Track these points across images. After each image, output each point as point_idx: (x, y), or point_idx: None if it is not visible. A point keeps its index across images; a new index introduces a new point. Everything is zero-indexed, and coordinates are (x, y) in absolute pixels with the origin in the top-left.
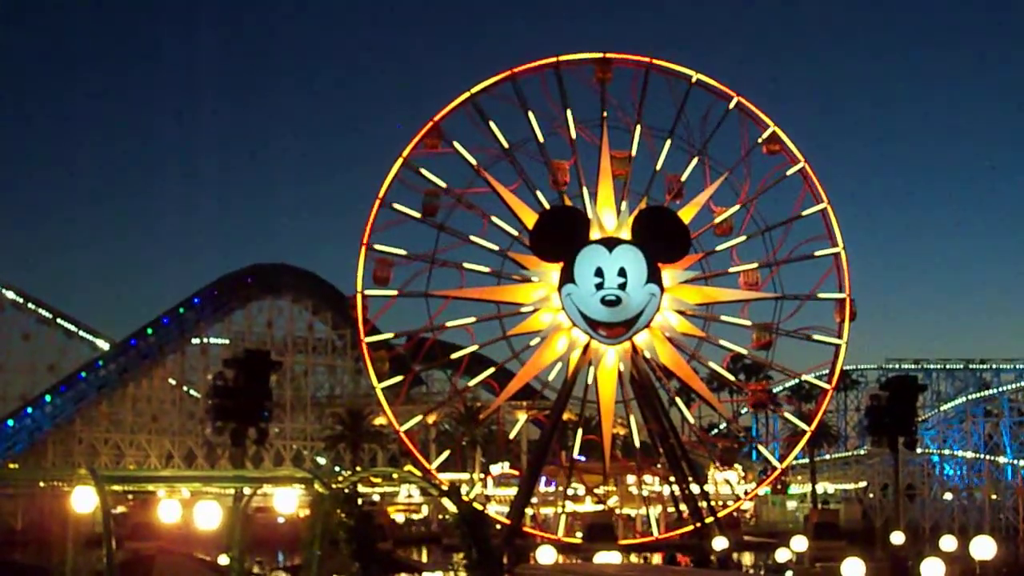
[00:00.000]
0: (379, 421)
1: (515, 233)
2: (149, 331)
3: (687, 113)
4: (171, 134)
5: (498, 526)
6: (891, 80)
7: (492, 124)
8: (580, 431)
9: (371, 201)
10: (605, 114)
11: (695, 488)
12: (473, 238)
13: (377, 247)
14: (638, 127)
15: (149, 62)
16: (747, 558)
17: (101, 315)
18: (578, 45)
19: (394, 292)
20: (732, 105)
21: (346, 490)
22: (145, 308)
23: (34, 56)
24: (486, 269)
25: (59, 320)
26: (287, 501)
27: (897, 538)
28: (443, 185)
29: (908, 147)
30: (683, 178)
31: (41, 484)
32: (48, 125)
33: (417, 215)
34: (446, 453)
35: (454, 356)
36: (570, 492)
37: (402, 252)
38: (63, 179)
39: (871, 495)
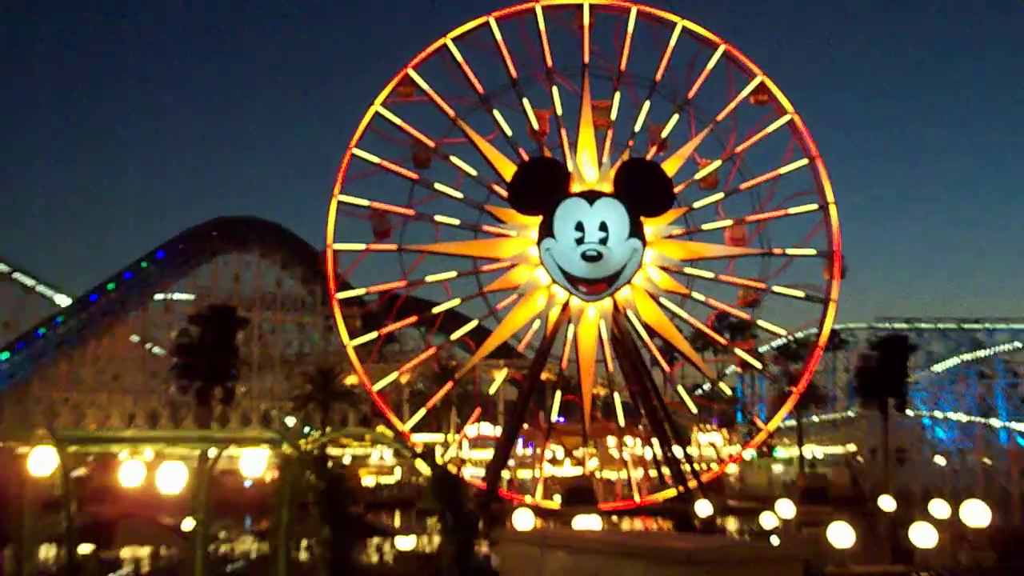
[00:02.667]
0: (350, 380)
1: (493, 185)
2: (110, 286)
3: (672, 61)
4: (134, 84)
5: (474, 490)
6: (884, 27)
7: (468, 71)
8: (559, 391)
9: (343, 153)
10: (586, 62)
11: (678, 451)
12: (448, 190)
13: (348, 199)
14: (620, 75)
15: (112, 14)
16: (732, 523)
17: (61, 269)
18: None
19: (366, 246)
20: (719, 53)
21: (315, 452)
22: (107, 262)
23: None
24: (461, 223)
25: (16, 274)
26: (254, 463)
27: (886, 503)
28: (418, 135)
29: (899, 99)
30: (667, 129)
31: None
32: (5, 77)
33: (390, 166)
34: (420, 413)
35: (429, 313)
36: (548, 455)
37: (374, 204)
38: (22, 130)
39: (860, 458)
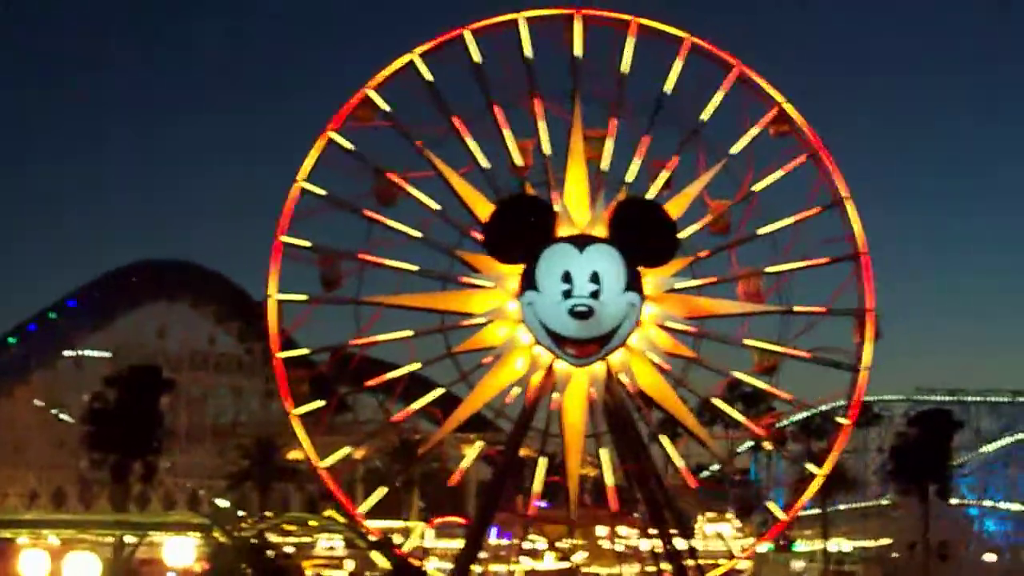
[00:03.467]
0: (294, 455)
1: (465, 227)
2: (11, 340)
3: (678, 85)
4: (49, 101)
5: None
6: (922, 55)
7: (438, 92)
8: (541, 471)
9: (289, 186)
10: (577, 84)
11: (681, 543)
12: (414, 232)
13: (293, 241)
14: (617, 101)
15: (49, 23)
16: None
17: None
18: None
19: (313, 297)
20: (733, 76)
21: (253, 540)
22: (8, 312)
23: None
24: (429, 271)
25: None
26: (180, 552)
27: None
28: (378, 164)
29: (942, 134)
30: (671, 165)
31: None
32: None
33: (345, 202)
34: (377, 494)
35: (388, 376)
36: (527, 546)
37: (327, 249)
38: None
39: (895, 555)
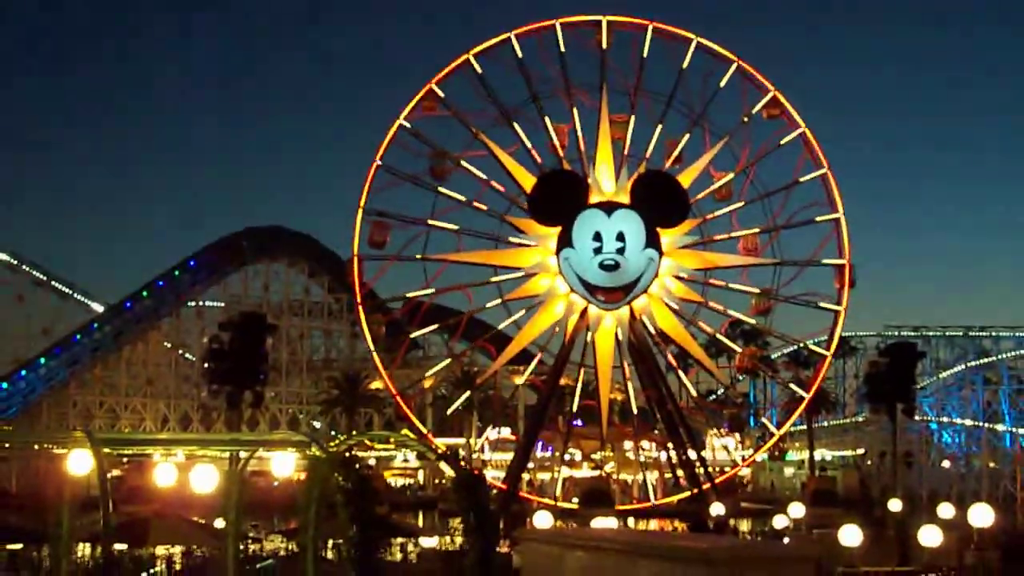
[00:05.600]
0: (375, 385)
1: (513, 197)
2: (144, 294)
3: (687, 76)
4: (167, 95)
5: (495, 491)
6: (894, 44)
7: (489, 86)
8: (577, 396)
9: (368, 164)
10: (604, 77)
11: (692, 454)
12: (471, 201)
13: (374, 210)
14: (637, 91)
15: (143, 24)
16: (744, 524)
17: (96, 278)
18: (578, 7)
19: (391, 256)
20: (733, 69)
21: (343, 454)
22: (140, 271)
23: (27, 17)
24: (483, 233)
25: (53, 282)
26: (284, 465)
27: (894, 505)
28: (441, 148)
29: (909, 113)
30: (682, 143)
31: (36, 447)
32: (41, 88)
33: (414, 178)
34: (443, 417)
35: (451, 320)
36: (567, 457)
37: (399, 215)
38: (58, 141)
39: (869, 462)
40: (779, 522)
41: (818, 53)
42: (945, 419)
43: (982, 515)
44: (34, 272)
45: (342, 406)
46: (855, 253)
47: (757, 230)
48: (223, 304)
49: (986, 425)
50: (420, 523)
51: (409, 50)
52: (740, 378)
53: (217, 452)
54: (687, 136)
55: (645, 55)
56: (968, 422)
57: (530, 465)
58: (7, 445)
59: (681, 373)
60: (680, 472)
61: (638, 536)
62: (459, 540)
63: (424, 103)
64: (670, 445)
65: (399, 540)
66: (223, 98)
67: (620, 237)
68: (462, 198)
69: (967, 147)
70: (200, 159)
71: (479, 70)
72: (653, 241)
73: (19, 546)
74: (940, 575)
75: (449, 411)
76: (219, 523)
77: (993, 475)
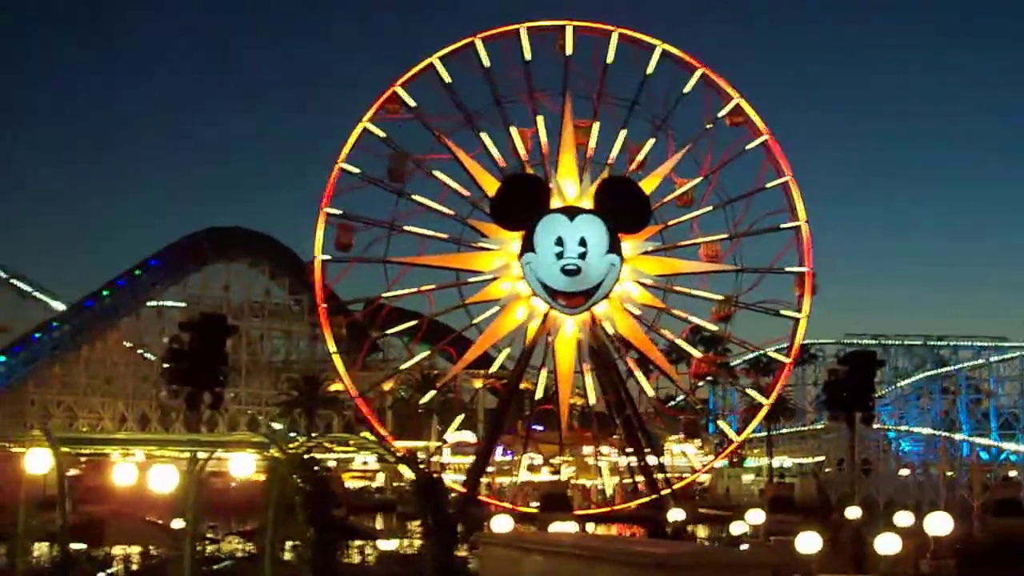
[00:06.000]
0: (335, 387)
1: (476, 201)
2: (104, 293)
3: (651, 83)
4: (128, 95)
5: (454, 494)
6: (857, 51)
7: (453, 90)
8: (537, 400)
9: (330, 166)
10: (568, 82)
11: (651, 459)
12: (433, 204)
13: (335, 212)
14: (601, 96)
15: (106, 22)
16: (702, 530)
17: (55, 276)
18: (542, 11)
19: (353, 258)
20: (697, 76)
21: (302, 455)
22: (100, 270)
23: None
24: (446, 236)
25: (13, 280)
26: (242, 466)
27: (852, 513)
28: (404, 151)
29: (871, 120)
30: (645, 149)
31: None
32: (2, 87)
33: (376, 180)
34: (402, 420)
35: (412, 323)
36: (526, 461)
37: (361, 218)
38: (18, 139)
39: (827, 469)
40: (737, 528)
41: (781, 59)
42: (903, 427)
43: (939, 523)
44: None
45: (302, 408)
46: (816, 261)
47: (719, 237)
48: (183, 304)
49: (944, 434)
50: (379, 526)
51: (374, 52)
52: (700, 384)
53: (176, 452)
54: (650, 142)
55: (610, 61)
56: (926, 430)
57: (490, 469)
58: None
59: (641, 378)
60: (639, 477)
61: (596, 541)
62: (418, 543)
63: (388, 106)
64: (629, 450)
65: (357, 543)
66: (185, 97)
67: (582, 242)
68: (425, 201)
69: (930, 154)
70: (163, 158)
71: (444, 73)
72: (615, 246)
73: None
74: None
75: (421, 407)
76: (177, 523)
77: (950, 484)
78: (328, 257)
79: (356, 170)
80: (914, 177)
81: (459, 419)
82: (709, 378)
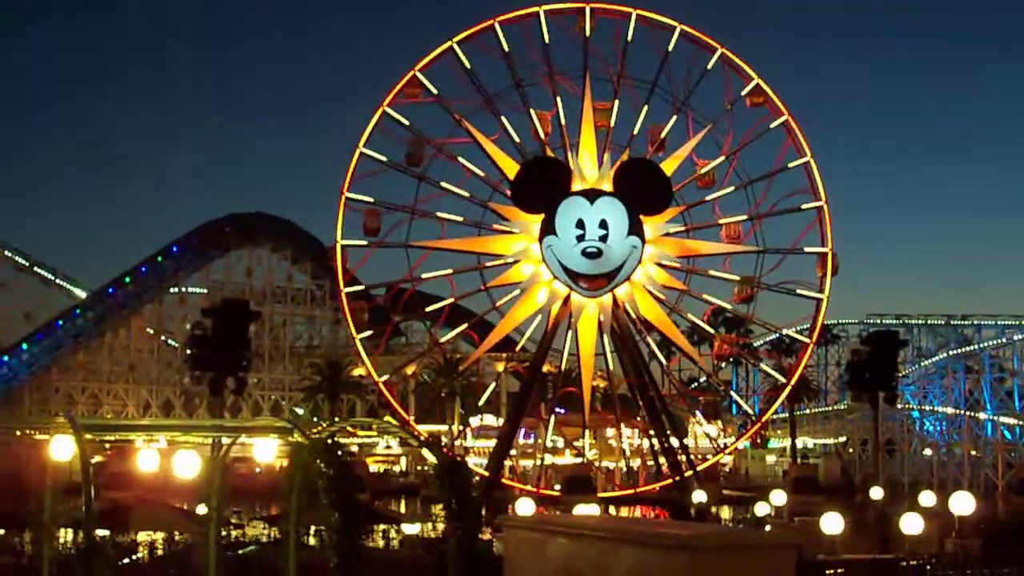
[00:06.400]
0: (358, 372)
1: (496, 184)
2: (127, 280)
3: (670, 64)
4: (148, 80)
5: (477, 478)
6: (876, 31)
7: (473, 73)
8: (560, 383)
9: (351, 151)
10: (588, 65)
11: (674, 441)
12: (453, 188)
13: (356, 197)
14: (620, 78)
15: (122, 9)
16: (726, 512)
17: (79, 263)
18: None
19: (373, 242)
20: (716, 57)
21: (325, 440)
22: (123, 257)
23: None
24: (466, 220)
25: (36, 268)
26: (266, 451)
27: (876, 493)
28: (424, 135)
29: (892, 100)
30: (666, 130)
31: (18, 432)
32: (20, 71)
33: (397, 165)
34: (425, 404)
35: (433, 307)
36: (549, 444)
37: (382, 202)
38: (41, 126)
39: (851, 450)
40: (761, 510)
41: (803, 39)
42: (927, 407)
43: (963, 503)
44: (16, 257)
45: (325, 393)
46: (838, 241)
47: (740, 218)
48: (206, 290)
49: (967, 413)
50: (402, 510)
51: (393, 36)
52: (722, 365)
53: (199, 438)
54: (670, 123)
55: (629, 42)
56: (950, 410)
57: (512, 452)
58: None
59: (663, 360)
60: (662, 459)
61: (620, 523)
62: (441, 527)
63: (407, 90)
64: (652, 432)
65: (381, 527)
66: (205, 84)
67: (603, 224)
68: (445, 185)
69: (951, 134)
70: (183, 145)
71: (463, 57)
72: (636, 228)
73: (1, 532)
74: (921, 563)
75: (443, 391)
76: (201, 509)
77: (974, 463)
78: (350, 242)
79: (377, 155)
80: (936, 156)
81: (485, 395)
82: (732, 359)
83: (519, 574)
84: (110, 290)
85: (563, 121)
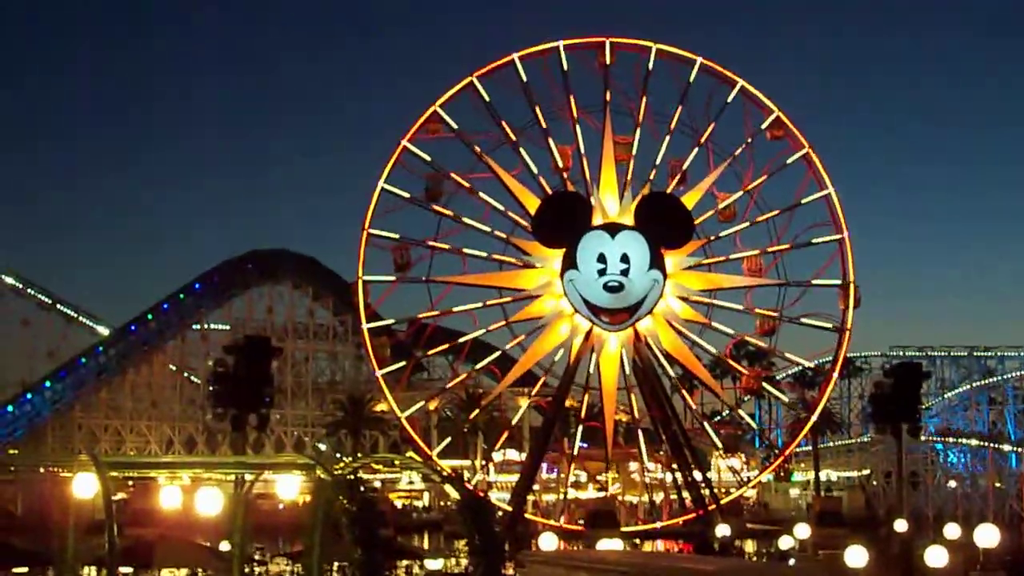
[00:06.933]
0: (380, 407)
1: (517, 218)
2: (149, 317)
3: (691, 98)
4: (171, 117)
5: (500, 513)
6: (896, 63)
7: (493, 108)
8: (582, 418)
9: (371, 186)
10: (608, 99)
11: (697, 475)
12: (475, 223)
13: (377, 232)
14: (641, 112)
15: (147, 39)
16: (749, 545)
17: (101, 301)
18: (581, 29)
19: (395, 278)
20: (736, 90)
21: (348, 476)
22: (145, 294)
23: (28, 29)
24: (487, 255)
25: (59, 305)
26: (289, 487)
27: (900, 526)
28: (444, 170)
29: (913, 132)
30: (686, 164)
31: (41, 470)
32: (45, 108)
33: (418, 200)
34: (448, 440)
35: (456, 342)
36: (572, 479)
37: (404, 238)
38: (63, 164)
39: (874, 482)
40: (785, 543)
41: (824, 69)
42: (951, 439)
43: (988, 535)
44: (40, 295)
45: (347, 428)
46: (859, 273)
47: (761, 251)
48: (228, 327)
49: (991, 445)
50: (425, 545)
51: (413, 72)
52: (745, 399)
53: (222, 475)
54: (691, 157)
55: (648, 76)
56: (974, 442)
57: (535, 487)
58: (13, 468)
59: (686, 394)
60: (685, 493)
61: (643, 558)
62: (464, 562)
63: (428, 125)
64: (675, 466)
65: (404, 562)
66: (226, 121)
67: (624, 259)
68: (466, 220)
69: (973, 164)
70: (204, 182)
71: (483, 92)
72: (657, 262)
73: (24, 569)
74: None
75: (466, 426)
76: (224, 546)
77: (999, 495)
78: (372, 277)
79: (398, 190)
80: (957, 187)
81: (505, 435)
82: (758, 392)
83: None
84: (132, 327)
85: (584, 155)
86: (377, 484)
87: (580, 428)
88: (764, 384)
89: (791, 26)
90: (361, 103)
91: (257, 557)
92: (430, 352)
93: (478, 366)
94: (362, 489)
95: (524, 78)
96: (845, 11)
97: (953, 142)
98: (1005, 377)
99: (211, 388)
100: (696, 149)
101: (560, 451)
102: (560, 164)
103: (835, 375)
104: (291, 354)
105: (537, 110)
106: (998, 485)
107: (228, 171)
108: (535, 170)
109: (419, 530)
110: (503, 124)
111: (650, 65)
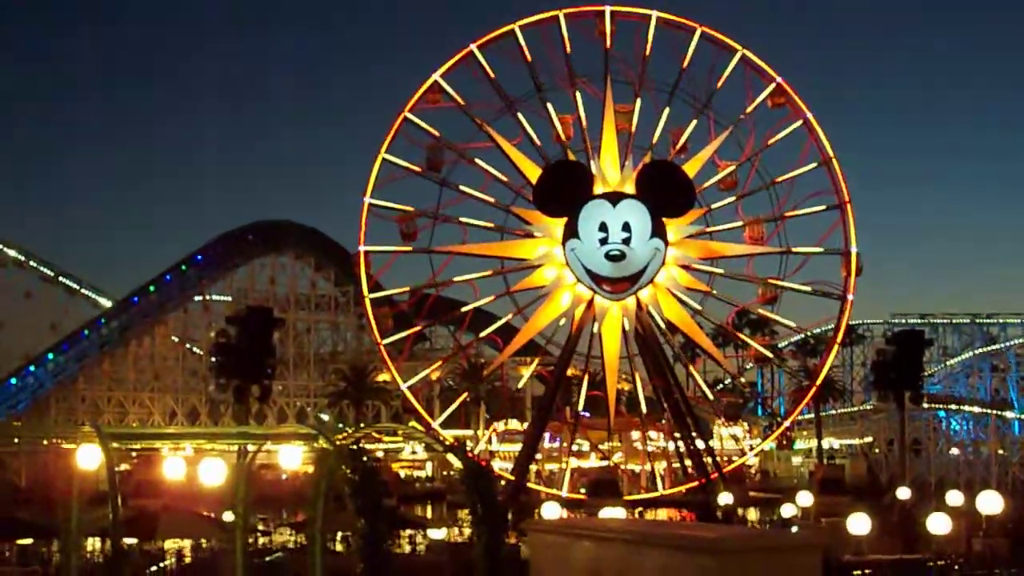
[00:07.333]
0: (382, 377)
1: (518, 188)
2: (151, 289)
3: (691, 66)
4: (173, 90)
5: (503, 482)
6: (898, 30)
7: (494, 78)
8: (584, 387)
9: (372, 156)
10: (608, 68)
11: (700, 443)
12: (476, 193)
13: (379, 203)
14: (641, 81)
15: (151, 12)
16: (752, 513)
17: (103, 273)
18: None
19: (397, 248)
20: (737, 58)
21: (350, 446)
22: (147, 266)
23: (31, 8)
24: (489, 224)
25: (61, 278)
26: (291, 458)
27: (903, 493)
28: (445, 139)
29: (915, 99)
30: (687, 132)
31: (44, 442)
32: (47, 83)
33: (419, 170)
34: (451, 408)
35: (457, 312)
36: (575, 448)
37: (404, 207)
38: (65, 137)
39: (876, 450)
40: (787, 511)
41: (823, 38)
42: (953, 406)
43: (991, 502)
44: (42, 268)
45: (349, 399)
46: (861, 241)
47: (763, 219)
48: (230, 298)
49: (994, 412)
50: (428, 515)
51: (413, 42)
52: (747, 367)
53: (225, 445)
54: (692, 125)
55: (649, 45)
56: (975, 409)
57: (538, 456)
58: (16, 440)
59: (688, 362)
60: (688, 462)
61: (646, 526)
62: (467, 531)
63: (428, 95)
64: (677, 435)
65: (407, 532)
66: (227, 93)
67: (626, 227)
68: (467, 190)
69: (976, 131)
70: (205, 154)
71: (483, 62)
72: (659, 231)
73: (29, 541)
74: (948, 563)
75: (468, 396)
76: (228, 516)
77: (1001, 462)
78: (373, 248)
79: (399, 161)
80: (961, 154)
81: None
82: (763, 361)
83: None
84: (135, 299)
85: (584, 124)
86: (380, 454)
87: (582, 397)
88: (770, 352)
89: None
90: (362, 74)
91: (260, 527)
92: (432, 322)
93: (480, 336)
94: (365, 459)
95: (524, 47)
96: None
97: (955, 109)
98: (1007, 344)
99: (213, 359)
100: (697, 117)
101: (562, 420)
102: (561, 133)
103: (837, 343)
104: (293, 325)
105: (537, 79)
106: (1000, 452)
107: (230, 143)
108: (536, 139)
109: (422, 500)
110: (503, 94)
111: (650, 34)
